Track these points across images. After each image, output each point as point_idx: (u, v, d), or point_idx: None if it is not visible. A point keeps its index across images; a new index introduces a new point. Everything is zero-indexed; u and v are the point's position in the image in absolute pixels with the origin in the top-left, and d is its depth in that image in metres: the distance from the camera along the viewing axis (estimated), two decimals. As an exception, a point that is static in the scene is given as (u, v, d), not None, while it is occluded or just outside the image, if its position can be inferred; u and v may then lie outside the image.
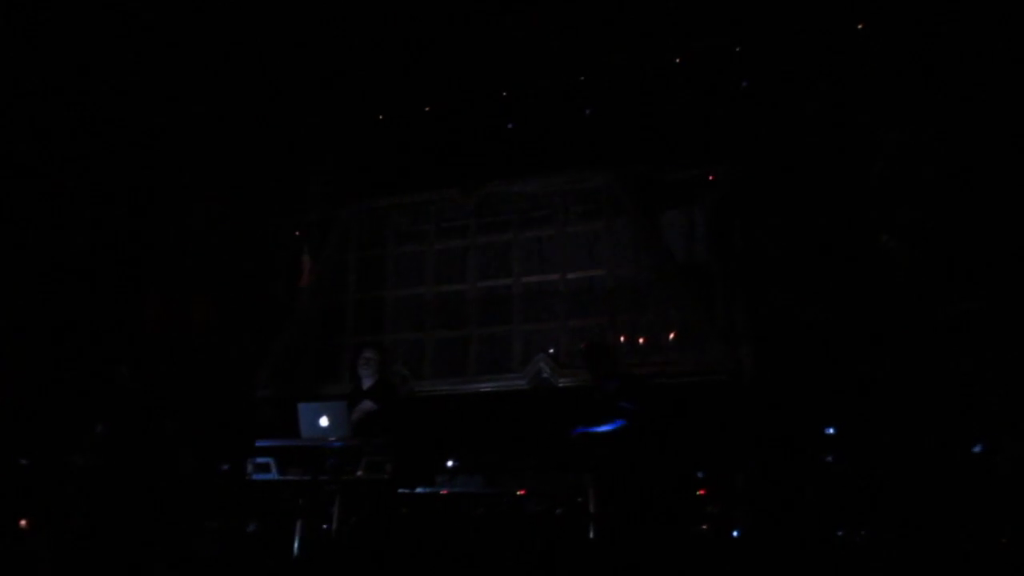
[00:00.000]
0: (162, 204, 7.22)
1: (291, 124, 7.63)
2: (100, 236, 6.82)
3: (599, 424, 5.00)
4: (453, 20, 6.82)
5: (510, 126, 7.47)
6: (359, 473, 4.69)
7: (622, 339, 6.58)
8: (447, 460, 5.90)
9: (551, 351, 6.77)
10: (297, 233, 7.80)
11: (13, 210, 6.46)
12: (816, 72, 6.17)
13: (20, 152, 6.48)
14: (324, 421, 4.79)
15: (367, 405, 5.30)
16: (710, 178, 6.53)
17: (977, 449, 4.54)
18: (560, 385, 6.57)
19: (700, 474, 5.48)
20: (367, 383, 5.48)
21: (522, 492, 5.43)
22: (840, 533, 4.89)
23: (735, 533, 5.19)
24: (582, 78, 7.23)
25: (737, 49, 6.55)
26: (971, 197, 5.40)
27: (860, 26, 6.12)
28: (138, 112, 6.95)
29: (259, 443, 4.84)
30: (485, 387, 6.84)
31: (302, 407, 4.86)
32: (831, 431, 5.20)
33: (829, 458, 5.04)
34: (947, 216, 5.48)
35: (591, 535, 4.98)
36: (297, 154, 7.76)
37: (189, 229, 7.28)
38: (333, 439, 4.74)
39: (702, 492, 5.34)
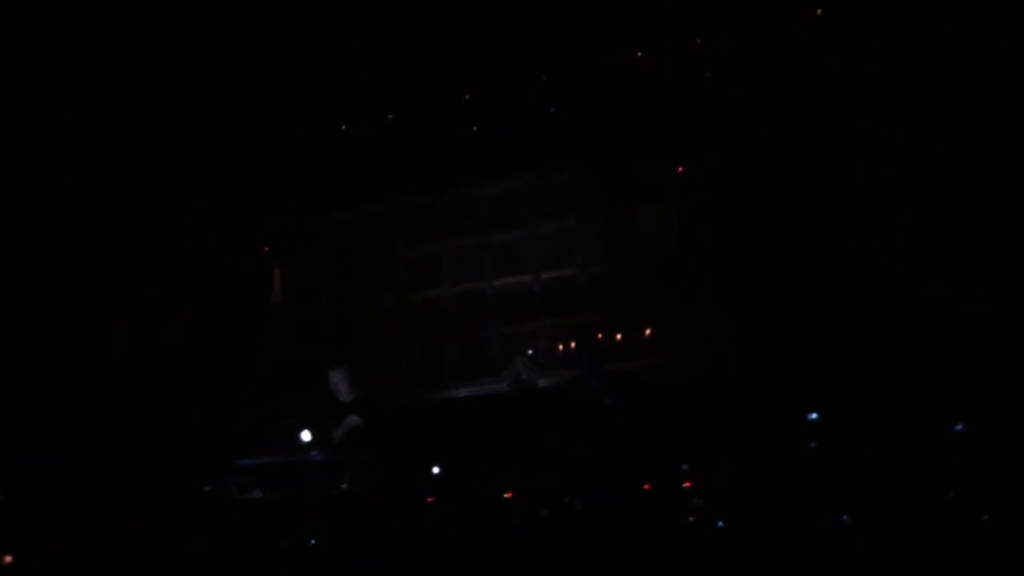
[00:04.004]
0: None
1: (254, 135, 7.53)
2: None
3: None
4: (414, 27, 6.79)
5: (475, 128, 7.44)
6: (343, 486, 4.65)
7: (599, 336, 6.59)
8: (431, 467, 5.87)
9: (529, 352, 6.77)
10: (265, 248, 7.70)
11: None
12: (789, 66, 6.22)
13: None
14: (306, 435, 4.75)
15: (352, 421, 5.25)
16: (679, 170, 6.56)
17: (958, 428, 4.60)
18: (540, 386, 6.56)
19: (684, 467, 5.50)
20: (346, 398, 5.41)
21: (508, 495, 5.42)
22: (824, 519, 4.94)
23: (720, 524, 5.21)
24: (544, 77, 7.23)
25: (697, 40, 6.58)
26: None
27: (819, 11, 6.18)
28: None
29: (240, 462, 4.78)
30: (464, 392, 6.82)
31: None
32: (814, 416, 5.24)
33: (812, 444, 5.08)
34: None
35: (578, 535, 4.97)
36: (261, 168, 7.66)
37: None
38: (315, 454, 4.70)
39: (687, 485, 5.36)
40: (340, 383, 5.39)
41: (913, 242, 5.60)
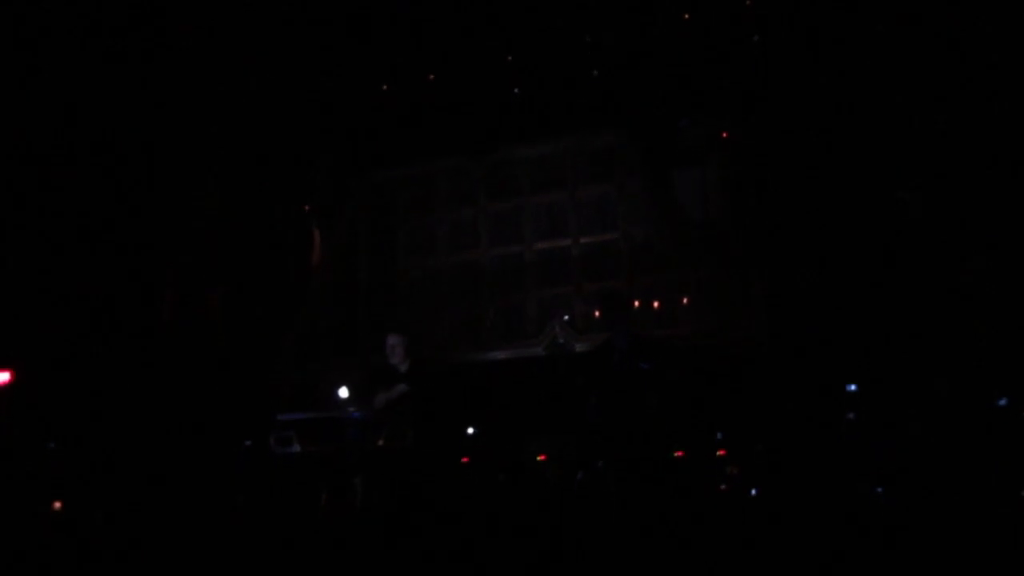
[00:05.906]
0: (170, 192, 7.18)
1: (294, 100, 7.54)
2: (113, 226, 6.81)
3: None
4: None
5: (516, 90, 7.37)
6: (380, 443, 4.72)
7: (636, 304, 6.56)
8: (466, 428, 5.93)
9: (566, 316, 6.76)
10: (306, 208, 7.74)
11: (28, 201, 6.45)
12: (831, 28, 6.05)
13: (30, 145, 6.45)
14: (343, 392, 4.83)
15: (401, 388, 5.24)
16: (723, 135, 6.45)
17: (1002, 403, 4.53)
18: (577, 350, 6.56)
19: (719, 435, 5.49)
20: (403, 368, 5.39)
21: (542, 457, 5.46)
22: (859, 490, 4.91)
23: (753, 492, 5.21)
24: (588, 39, 7.11)
25: (748, 3, 6.41)
26: (985, 157, 5.34)
27: None
28: (141, 104, 6.89)
29: (281, 417, 4.88)
30: (501, 354, 6.85)
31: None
32: (853, 388, 5.18)
33: (850, 415, 5.04)
34: (962, 176, 5.43)
35: (611, 499, 5.01)
36: (301, 130, 7.67)
37: (198, 215, 7.23)
38: (352, 410, 4.77)
39: (721, 453, 5.36)
40: (397, 347, 5.38)
41: (954, 216, 5.48)
